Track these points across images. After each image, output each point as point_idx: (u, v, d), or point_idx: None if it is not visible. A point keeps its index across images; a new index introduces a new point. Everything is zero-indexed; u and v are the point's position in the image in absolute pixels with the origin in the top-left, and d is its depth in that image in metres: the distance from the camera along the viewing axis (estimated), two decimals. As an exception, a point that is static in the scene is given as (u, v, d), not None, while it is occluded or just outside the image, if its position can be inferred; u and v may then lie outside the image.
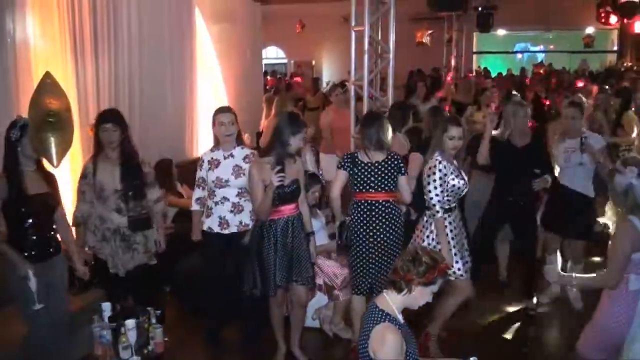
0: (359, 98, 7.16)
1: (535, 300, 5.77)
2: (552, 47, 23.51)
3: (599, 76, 16.17)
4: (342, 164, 4.67)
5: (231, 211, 4.77)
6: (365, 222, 4.57)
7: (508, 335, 5.44)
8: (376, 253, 4.57)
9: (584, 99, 8.67)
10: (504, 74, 18.86)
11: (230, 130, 4.77)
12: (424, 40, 18.97)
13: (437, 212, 4.53)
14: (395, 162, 4.59)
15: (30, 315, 3.98)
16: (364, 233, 4.56)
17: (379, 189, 4.56)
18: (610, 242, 3.57)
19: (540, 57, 23.25)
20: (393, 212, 4.59)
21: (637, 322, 3.45)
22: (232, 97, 9.92)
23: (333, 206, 4.79)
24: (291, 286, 4.62)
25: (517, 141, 5.43)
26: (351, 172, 4.61)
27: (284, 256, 4.47)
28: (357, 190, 4.62)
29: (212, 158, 4.82)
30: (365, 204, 4.59)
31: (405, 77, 17.25)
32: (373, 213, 4.56)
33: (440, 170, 4.52)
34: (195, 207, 4.98)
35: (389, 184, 4.56)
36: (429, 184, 4.55)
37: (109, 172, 4.61)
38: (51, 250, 4.20)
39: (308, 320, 5.20)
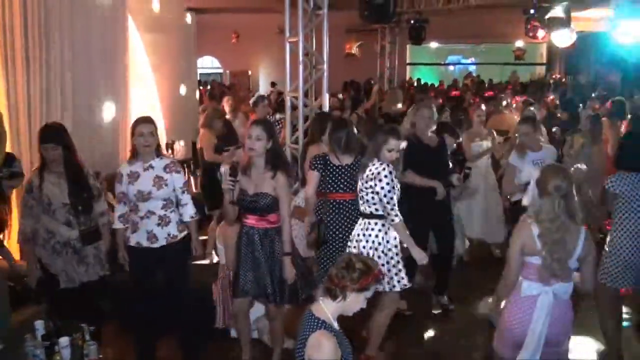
0: (294, 108, 7.19)
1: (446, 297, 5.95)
2: (483, 59, 24.20)
3: (527, 87, 16.79)
4: (315, 165, 4.93)
5: (158, 224, 4.57)
6: (335, 220, 4.93)
7: (428, 334, 5.63)
8: (343, 248, 4.77)
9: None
10: (436, 85, 19.40)
11: (149, 141, 4.51)
12: (353, 52, 19.21)
13: (396, 215, 4.42)
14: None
15: None
16: (335, 230, 4.86)
17: (348, 190, 4.92)
18: None
19: (472, 68, 23.96)
20: (357, 210, 4.79)
21: (531, 327, 3.59)
22: (167, 107, 9.84)
23: (307, 204, 5.03)
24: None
25: (429, 142, 5.59)
26: (323, 173, 4.95)
27: (247, 264, 4.54)
28: (328, 191, 4.97)
29: (130, 171, 4.55)
30: (335, 203, 4.97)
31: (340, 88, 17.46)
32: (341, 211, 4.93)
33: (391, 172, 4.44)
34: (117, 224, 4.68)
35: (356, 185, 4.79)
36: (382, 188, 4.41)
37: (56, 185, 4.57)
38: None
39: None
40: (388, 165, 4.47)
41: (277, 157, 4.51)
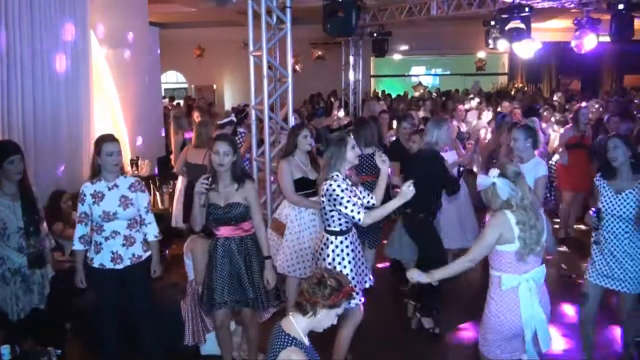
0: (260, 121, 7.15)
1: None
2: (446, 70, 24.53)
3: (491, 97, 17.05)
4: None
5: (123, 245, 4.53)
6: None
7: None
8: None
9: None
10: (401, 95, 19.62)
11: (118, 160, 4.50)
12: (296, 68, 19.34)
13: (359, 213, 4.31)
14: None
15: None
16: None
17: (369, 173, 6.22)
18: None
19: (435, 79, 24.29)
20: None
21: (525, 317, 3.74)
22: (130, 123, 9.74)
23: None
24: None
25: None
26: None
27: (223, 274, 4.53)
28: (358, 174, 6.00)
29: (95, 191, 4.48)
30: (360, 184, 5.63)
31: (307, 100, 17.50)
32: (366, 190, 5.36)
33: (339, 186, 4.41)
34: (78, 246, 4.57)
35: (375, 170, 5.31)
36: (334, 202, 4.38)
37: (10, 208, 4.49)
38: None
39: (215, 348, 5.14)
40: (335, 181, 4.41)
41: (240, 168, 4.59)
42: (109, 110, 9.19)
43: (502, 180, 3.75)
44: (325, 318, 3.01)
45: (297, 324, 3.01)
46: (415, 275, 3.93)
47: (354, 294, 4.32)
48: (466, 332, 5.85)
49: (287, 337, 2.98)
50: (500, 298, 3.81)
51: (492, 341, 3.88)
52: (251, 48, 6.80)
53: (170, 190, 8.60)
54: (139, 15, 10.54)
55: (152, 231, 4.70)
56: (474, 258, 3.83)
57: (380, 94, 20.34)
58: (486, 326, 3.91)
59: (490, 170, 3.83)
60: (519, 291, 3.76)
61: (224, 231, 4.58)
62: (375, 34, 14.40)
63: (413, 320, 5.77)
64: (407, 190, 4.21)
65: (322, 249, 4.56)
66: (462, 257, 3.88)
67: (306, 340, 3.04)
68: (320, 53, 20.12)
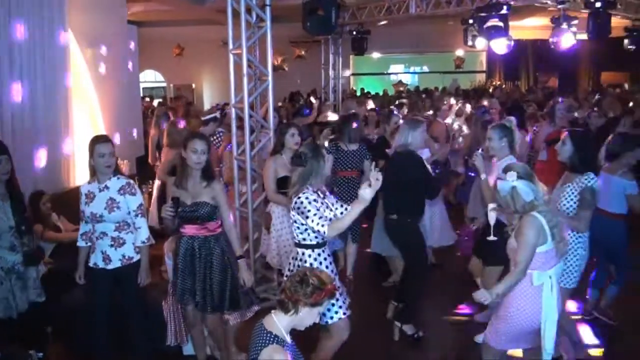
0: (240, 120, 7.12)
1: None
2: (425, 68, 24.66)
3: (469, 94, 17.17)
4: (328, 150, 5.22)
5: (111, 245, 4.53)
6: (342, 191, 6.28)
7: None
8: None
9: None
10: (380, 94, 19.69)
11: (111, 162, 4.47)
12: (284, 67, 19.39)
13: (323, 226, 4.07)
14: (363, 151, 6.56)
15: None
16: (345, 199, 5.40)
17: (354, 169, 6.50)
18: (515, 239, 3.88)
19: (414, 77, 24.40)
20: (358, 184, 5.36)
21: (544, 315, 3.80)
22: (109, 122, 9.67)
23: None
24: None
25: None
26: (335, 156, 6.13)
27: (185, 272, 4.54)
28: (339, 170, 6.37)
29: (88, 191, 4.52)
30: (343, 179, 6.48)
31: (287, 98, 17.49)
32: (348, 185, 6.43)
33: (307, 198, 4.20)
34: (80, 243, 4.67)
35: (359, 165, 6.41)
36: (307, 217, 4.14)
37: (0, 208, 4.50)
38: None
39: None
40: (304, 193, 4.21)
41: (210, 167, 4.60)
42: (87, 109, 9.10)
43: (522, 182, 3.80)
44: (307, 316, 3.01)
45: (279, 322, 3.01)
46: (487, 296, 3.78)
47: (339, 303, 4.30)
48: (448, 326, 5.93)
49: (269, 335, 2.98)
50: (528, 293, 3.84)
51: (506, 333, 3.93)
52: (231, 46, 6.76)
53: (150, 190, 8.54)
54: (117, 13, 10.46)
55: (140, 236, 4.61)
56: (526, 264, 3.79)
57: (358, 92, 20.41)
58: (504, 319, 3.93)
59: (507, 174, 3.85)
60: (543, 289, 3.81)
61: (188, 230, 4.57)
62: (354, 32, 14.43)
63: (394, 330, 5.58)
64: (364, 193, 3.89)
65: (298, 266, 4.29)
66: (513, 271, 3.81)
67: (288, 338, 3.04)
68: (303, 52, 20.12)
